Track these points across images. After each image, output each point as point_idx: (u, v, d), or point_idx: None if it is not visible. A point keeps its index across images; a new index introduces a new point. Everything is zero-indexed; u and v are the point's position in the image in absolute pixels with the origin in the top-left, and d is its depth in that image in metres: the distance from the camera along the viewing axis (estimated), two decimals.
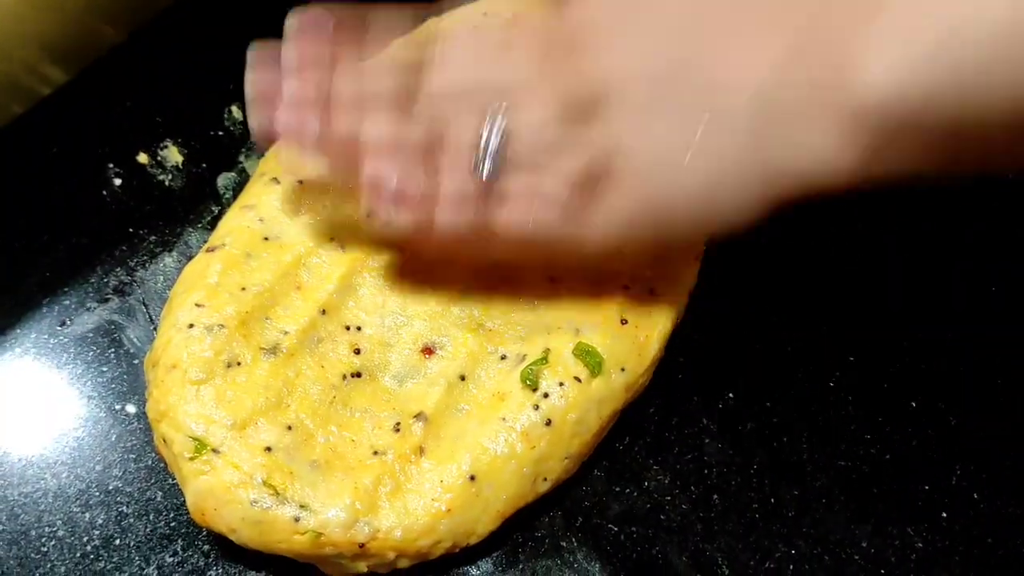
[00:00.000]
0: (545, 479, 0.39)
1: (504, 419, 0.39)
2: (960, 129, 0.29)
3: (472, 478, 0.38)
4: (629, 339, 0.41)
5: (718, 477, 0.42)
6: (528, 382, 0.39)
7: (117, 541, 0.40)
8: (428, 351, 0.41)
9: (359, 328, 0.42)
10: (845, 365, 0.44)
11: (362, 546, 0.37)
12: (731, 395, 0.43)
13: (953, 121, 0.29)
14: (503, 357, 0.41)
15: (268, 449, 0.38)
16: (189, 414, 0.38)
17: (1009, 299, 0.46)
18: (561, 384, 0.39)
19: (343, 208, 0.42)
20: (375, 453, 0.39)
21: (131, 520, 0.40)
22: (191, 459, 0.38)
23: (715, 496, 0.41)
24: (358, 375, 0.41)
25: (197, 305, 0.41)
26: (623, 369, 0.40)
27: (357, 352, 0.41)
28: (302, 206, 0.43)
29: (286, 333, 0.41)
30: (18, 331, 0.44)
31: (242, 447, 0.38)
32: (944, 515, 0.41)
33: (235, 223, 0.44)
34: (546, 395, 0.39)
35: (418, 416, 0.40)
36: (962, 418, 0.43)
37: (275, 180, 0.45)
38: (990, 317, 0.46)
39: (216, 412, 0.39)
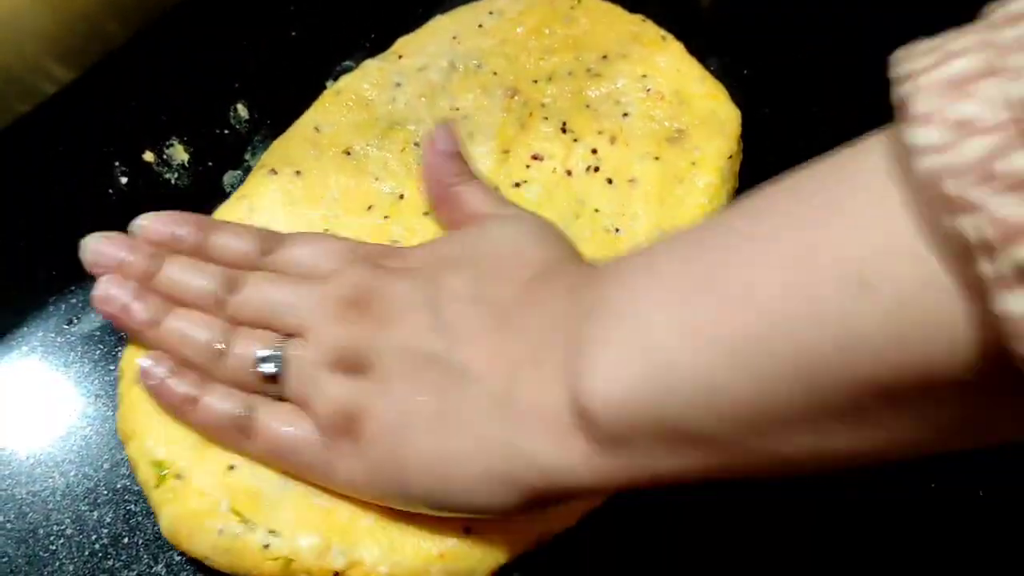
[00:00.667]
0: (551, 529, 0.38)
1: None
2: (689, 436, 0.30)
3: (467, 530, 0.37)
4: None
5: (709, 489, 0.41)
6: None
7: (125, 539, 0.40)
8: None
9: None
10: None
11: (337, 574, 0.36)
12: None
13: (680, 431, 0.30)
14: None
15: (231, 467, 0.37)
16: (153, 438, 0.38)
17: None
18: None
19: None
20: None
21: (139, 518, 0.40)
22: (156, 487, 0.37)
23: (706, 510, 0.41)
24: None
25: None
26: None
27: None
28: None
29: None
30: (25, 330, 0.45)
31: (204, 470, 0.37)
32: (939, 528, 0.41)
33: (227, 212, 0.44)
34: None
35: None
36: None
37: (273, 171, 0.45)
38: None
39: (179, 434, 0.38)
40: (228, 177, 0.49)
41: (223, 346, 0.38)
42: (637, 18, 0.50)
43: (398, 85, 0.49)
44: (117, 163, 0.49)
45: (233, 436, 0.37)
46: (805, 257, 0.26)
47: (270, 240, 0.41)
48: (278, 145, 0.47)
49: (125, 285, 0.39)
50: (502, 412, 0.33)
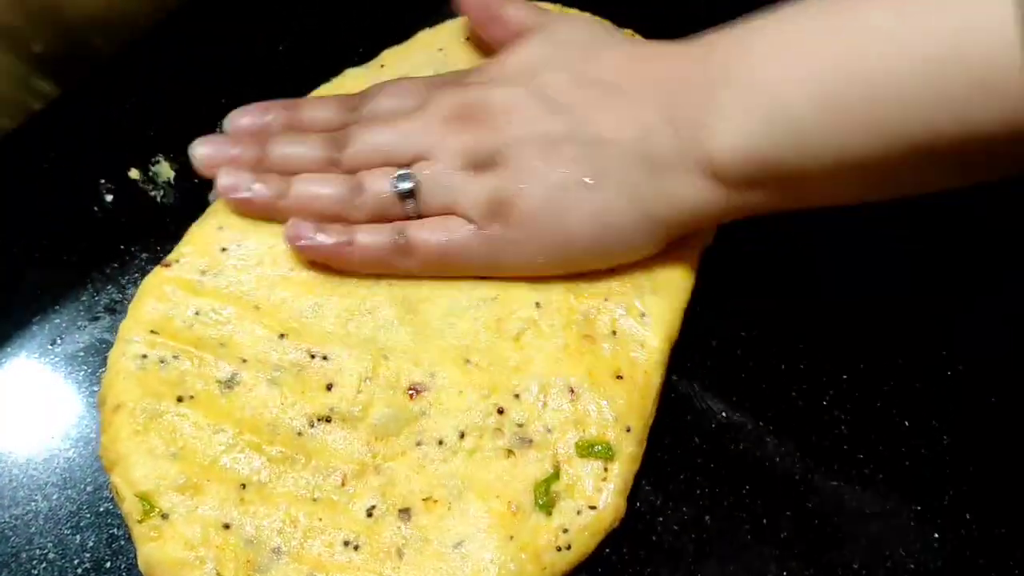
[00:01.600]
0: None
1: (512, 538, 0.37)
2: (803, 174, 0.36)
3: None
4: (627, 391, 0.40)
5: (710, 497, 0.42)
6: (541, 502, 0.38)
7: (108, 564, 0.40)
8: (414, 391, 0.40)
9: (325, 358, 0.40)
10: (838, 384, 0.44)
11: None
12: (723, 414, 0.43)
13: (795, 170, 0.36)
14: (497, 429, 0.39)
15: (226, 526, 0.37)
16: (138, 470, 0.37)
17: (1004, 320, 0.46)
18: (579, 512, 0.38)
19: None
20: (345, 544, 0.37)
21: (122, 543, 0.40)
22: (140, 521, 0.37)
23: (707, 517, 0.41)
24: (328, 420, 0.39)
25: (145, 332, 0.40)
26: (628, 429, 0.40)
27: (329, 388, 0.40)
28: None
29: (244, 361, 0.40)
30: (8, 350, 0.44)
31: (195, 519, 0.37)
32: (936, 536, 0.41)
33: (196, 231, 0.43)
34: (565, 530, 0.38)
35: (403, 512, 0.38)
36: (956, 438, 0.43)
37: None
38: (985, 337, 0.46)
39: (166, 467, 0.37)
40: (213, 195, 0.48)
41: (353, 190, 0.41)
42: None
43: None
44: (103, 180, 0.49)
45: (396, 261, 0.41)
46: (942, 42, 0.32)
47: (352, 100, 0.44)
48: None
49: (243, 172, 0.42)
50: (647, 166, 0.39)
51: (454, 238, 0.40)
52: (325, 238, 0.40)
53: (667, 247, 0.42)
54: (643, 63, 0.40)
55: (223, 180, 0.42)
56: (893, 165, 0.35)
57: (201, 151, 0.43)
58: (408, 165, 0.41)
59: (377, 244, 0.40)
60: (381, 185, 0.41)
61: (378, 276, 0.42)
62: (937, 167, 0.35)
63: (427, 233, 0.40)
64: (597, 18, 0.47)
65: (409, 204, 0.41)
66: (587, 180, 0.39)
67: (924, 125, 0.33)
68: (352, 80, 0.49)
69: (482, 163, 0.40)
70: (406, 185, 0.40)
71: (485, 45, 0.50)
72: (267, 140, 0.43)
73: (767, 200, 0.38)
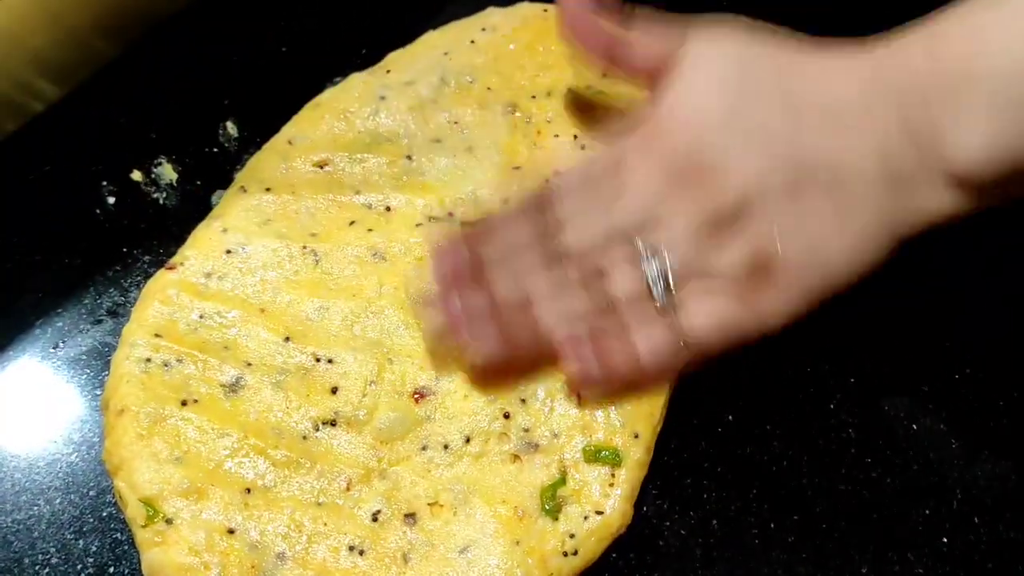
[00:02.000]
0: None
1: (518, 543, 0.37)
2: None
3: None
4: (636, 399, 0.40)
5: (717, 501, 0.41)
6: (547, 507, 0.38)
7: (111, 569, 0.39)
8: (419, 395, 0.40)
9: (330, 361, 0.40)
10: (845, 388, 0.44)
11: None
12: (730, 418, 0.43)
13: None
14: (503, 434, 0.39)
15: (231, 531, 0.36)
16: (142, 475, 0.37)
17: (1010, 324, 0.46)
18: (585, 518, 0.38)
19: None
20: (350, 549, 0.37)
21: (125, 547, 0.40)
22: (143, 526, 0.36)
23: (714, 521, 0.41)
24: (333, 423, 0.39)
25: (149, 335, 0.40)
26: (636, 435, 0.40)
27: (334, 392, 0.40)
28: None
29: (249, 365, 0.40)
30: (11, 353, 0.44)
31: (199, 524, 0.36)
32: (944, 540, 0.41)
33: (200, 234, 0.43)
34: (572, 535, 0.37)
35: (408, 516, 0.38)
36: (962, 441, 0.43)
37: (243, 189, 0.45)
38: (991, 342, 0.45)
39: (170, 472, 0.37)
40: (217, 196, 0.48)
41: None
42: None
43: (382, 98, 0.48)
44: (105, 182, 0.49)
45: (677, 358, 0.35)
46: None
47: (531, 201, 0.37)
48: (251, 162, 0.47)
49: (485, 331, 0.34)
50: (892, 186, 0.36)
51: (730, 318, 0.35)
52: (615, 364, 0.34)
53: None
54: (854, 72, 0.36)
55: (473, 346, 0.34)
56: None
57: (430, 331, 0.35)
58: (644, 241, 0.35)
59: (661, 347, 0.35)
60: (628, 273, 0.35)
61: (382, 281, 0.42)
62: None
63: (703, 319, 0.35)
64: (743, 18, 0.39)
65: (662, 287, 0.35)
66: (841, 221, 0.35)
67: None
68: (358, 86, 0.49)
69: (721, 223, 0.35)
70: (655, 266, 0.35)
71: (491, 49, 0.49)
72: (484, 285, 0.35)
73: (1012, 194, 0.36)
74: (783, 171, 0.35)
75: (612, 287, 0.35)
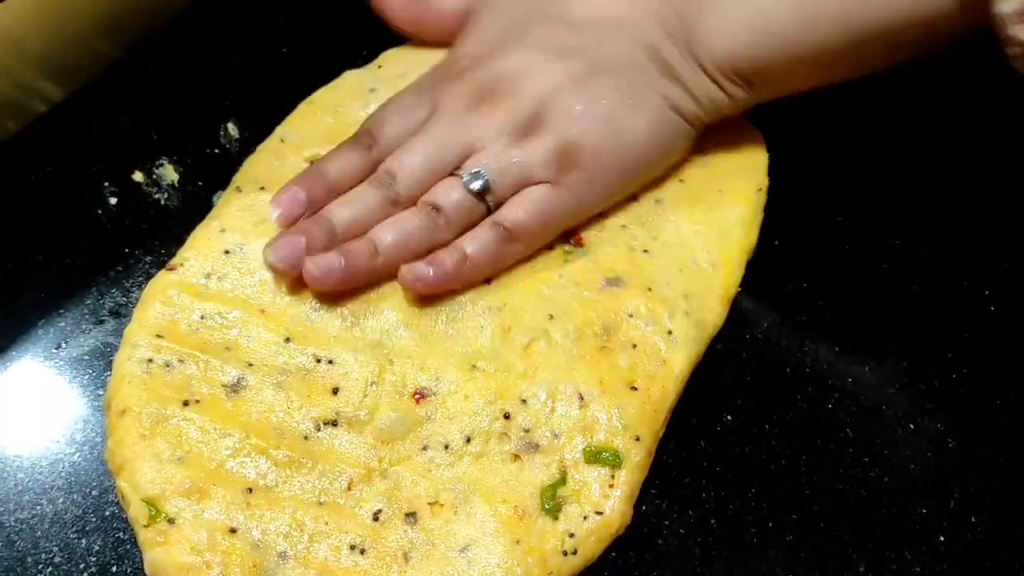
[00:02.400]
0: None
1: (518, 542, 0.37)
2: (784, 69, 0.43)
3: None
4: (640, 403, 0.40)
5: (716, 501, 0.42)
6: (547, 507, 0.38)
7: (114, 568, 0.40)
8: (419, 396, 0.40)
9: (331, 362, 0.40)
10: (843, 388, 0.44)
11: None
12: (729, 417, 0.43)
13: (778, 67, 0.43)
14: (504, 434, 0.39)
15: (233, 531, 0.36)
16: (144, 475, 0.37)
17: (1010, 321, 0.46)
18: (585, 518, 0.38)
19: None
20: (351, 548, 0.37)
21: (128, 547, 0.40)
22: (146, 526, 0.36)
23: (713, 520, 0.41)
24: (334, 423, 0.39)
25: (150, 336, 0.40)
26: (638, 438, 0.40)
27: (335, 392, 0.40)
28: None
29: (250, 365, 0.40)
30: (13, 354, 0.44)
31: (201, 524, 0.36)
32: (942, 539, 0.41)
33: (199, 234, 0.43)
34: (572, 535, 0.38)
35: (409, 516, 0.38)
36: (960, 441, 0.43)
37: (238, 189, 0.45)
38: (990, 339, 0.46)
39: (172, 471, 0.37)
40: (218, 197, 0.48)
41: (430, 215, 0.41)
42: None
43: (372, 91, 0.49)
44: (106, 183, 0.49)
45: (506, 252, 0.42)
46: None
47: (361, 140, 0.44)
48: (246, 163, 0.47)
49: (326, 256, 0.40)
50: (667, 76, 0.44)
51: (544, 203, 0.42)
52: (444, 268, 0.41)
53: (706, 287, 0.44)
54: None
55: (312, 272, 0.40)
56: (855, 52, 0.42)
57: (274, 257, 0.40)
58: (458, 167, 0.42)
59: (487, 245, 0.41)
60: (456, 195, 0.41)
61: (380, 281, 0.42)
62: (885, 51, 0.43)
63: (520, 212, 0.42)
64: None
65: (488, 198, 0.42)
66: (628, 102, 0.43)
67: (877, 15, 0.41)
68: (350, 81, 0.49)
69: (526, 130, 0.42)
70: (478, 183, 0.41)
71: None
72: (323, 216, 0.41)
73: (758, 92, 0.45)
74: (569, 71, 0.43)
75: (440, 206, 0.41)
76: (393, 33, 0.51)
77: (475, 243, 0.41)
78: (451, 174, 0.42)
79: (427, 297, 0.42)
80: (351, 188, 0.42)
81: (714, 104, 0.45)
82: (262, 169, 0.46)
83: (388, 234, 0.41)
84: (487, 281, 0.43)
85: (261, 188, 0.45)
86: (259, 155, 0.47)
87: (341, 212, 0.41)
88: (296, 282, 0.41)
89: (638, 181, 0.45)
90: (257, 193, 0.44)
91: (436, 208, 0.41)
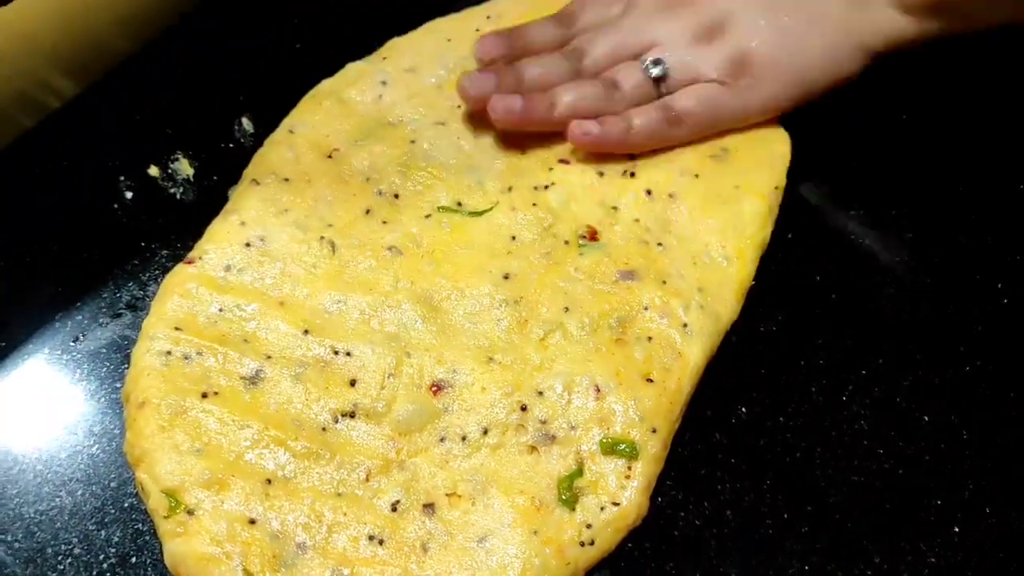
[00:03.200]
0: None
1: (536, 533, 0.37)
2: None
3: None
4: (656, 395, 0.41)
5: (731, 492, 0.42)
6: (564, 498, 0.38)
7: (133, 559, 0.40)
8: (436, 388, 0.40)
9: (348, 354, 0.40)
10: (858, 380, 0.44)
11: None
12: (744, 410, 0.44)
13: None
14: (521, 426, 0.40)
15: (252, 522, 0.37)
16: (163, 466, 0.37)
17: (1021, 316, 0.46)
18: (602, 509, 0.38)
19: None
20: (370, 539, 0.37)
21: (147, 538, 0.40)
22: (166, 517, 0.37)
23: (728, 512, 0.41)
24: (352, 415, 0.39)
25: (168, 328, 0.40)
26: (654, 430, 0.40)
27: (353, 384, 0.40)
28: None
29: (268, 358, 0.40)
30: (31, 347, 0.45)
31: (220, 515, 0.37)
32: (956, 530, 0.41)
33: (217, 228, 0.44)
34: (589, 526, 0.38)
35: (427, 507, 0.38)
36: (974, 432, 0.43)
37: (255, 182, 0.45)
38: (1003, 331, 0.46)
39: (191, 463, 0.37)
40: (233, 191, 0.48)
41: (609, 88, 0.47)
42: None
43: (384, 84, 0.49)
44: (122, 178, 0.49)
45: (670, 132, 0.47)
46: None
47: (563, 18, 0.49)
48: (256, 157, 0.47)
49: (512, 96, 0.46)
50: (850, 7, 0.47)
51: (712, 99, 0.47)
52: (611, 128, 0.46)
53: (721, 281, 0.44)
54: None
55: (496, 107, 0.45)
56: None
57: (469, 85, 0.46)
58: (640, 56, 0.47)
59: (652, 121, 0.46)
60: (635, 77, 0.47)
61: (398, 276, 0.42)
62: None
63: (689, 101, 0.47)
64: None
65: (662, 87, 0.47)
66: (809, 22, 0.46)
67: None
68: (354, 72, 0.50)
69: (708, 34, 0.47)
70: (657, 70, 0.47)
71: None
72: (516, 67, 0.47)
73: (944, 25, 0.47)
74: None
75: (618, 83, 0.47)
76: (409, 27, 0.51)
77: (643, 117, 0.46)
78: (633, 59, 0.47)
79: (444, 289, 0.42)
80: (544, 54, 0.48)
81: (897, 35, 0.47)
82: (276, 162, 0.46)
83: (567, 95, 0.46)
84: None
85: (283, 180, 0.45)
86: (269, 147, 0.47)
87: (532, 68, 0.47)
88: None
89: (803, 98, 0.48)
90: (277, 184, 0.45)
91: (614, 84, 0.47)
